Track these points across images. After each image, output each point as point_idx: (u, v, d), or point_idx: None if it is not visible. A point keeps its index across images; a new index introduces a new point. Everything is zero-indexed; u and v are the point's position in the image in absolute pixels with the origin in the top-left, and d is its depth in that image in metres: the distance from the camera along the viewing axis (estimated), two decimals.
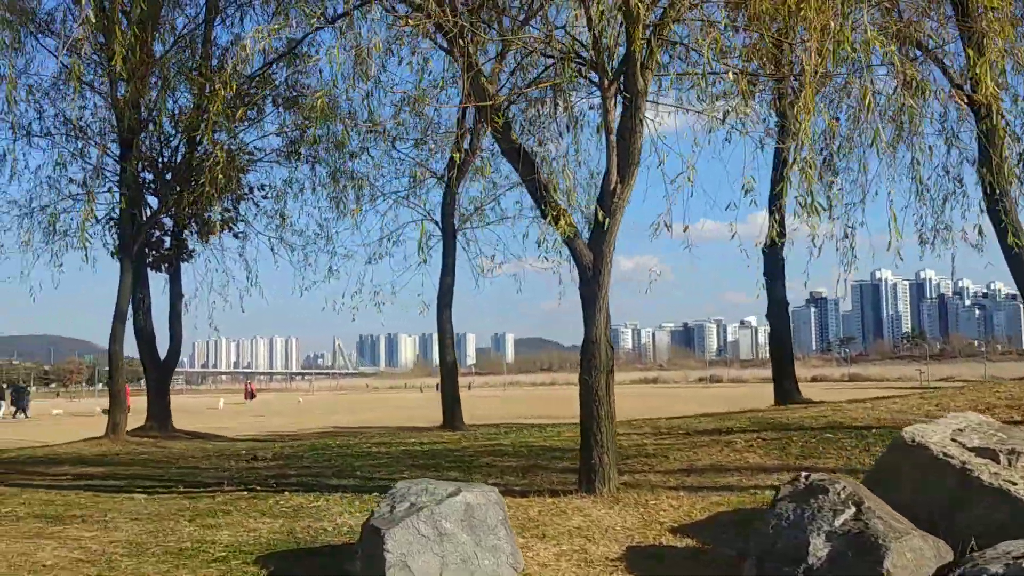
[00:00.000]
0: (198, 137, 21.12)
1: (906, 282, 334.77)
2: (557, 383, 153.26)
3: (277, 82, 20.71)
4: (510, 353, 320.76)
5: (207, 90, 18.25)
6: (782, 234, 20.43)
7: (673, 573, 7.10)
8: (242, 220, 22.81)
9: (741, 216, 10.41)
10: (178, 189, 20.77)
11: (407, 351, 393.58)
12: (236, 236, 22.50)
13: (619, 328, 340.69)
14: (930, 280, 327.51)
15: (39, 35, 20.18)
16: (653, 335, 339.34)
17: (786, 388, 20.94)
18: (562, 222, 9.19)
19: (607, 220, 8.74)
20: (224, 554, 7.97)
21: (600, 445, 9.05)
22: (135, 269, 21.10)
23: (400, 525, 6.76)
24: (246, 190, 22.12)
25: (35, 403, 56.36)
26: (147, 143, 21.34)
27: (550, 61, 10.48)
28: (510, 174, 21.97)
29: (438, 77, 10.75)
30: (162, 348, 23.14)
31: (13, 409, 51.42)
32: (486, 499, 7.17)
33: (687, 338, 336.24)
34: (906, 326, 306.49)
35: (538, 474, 10.71)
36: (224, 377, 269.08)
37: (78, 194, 20.90)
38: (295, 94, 20.37)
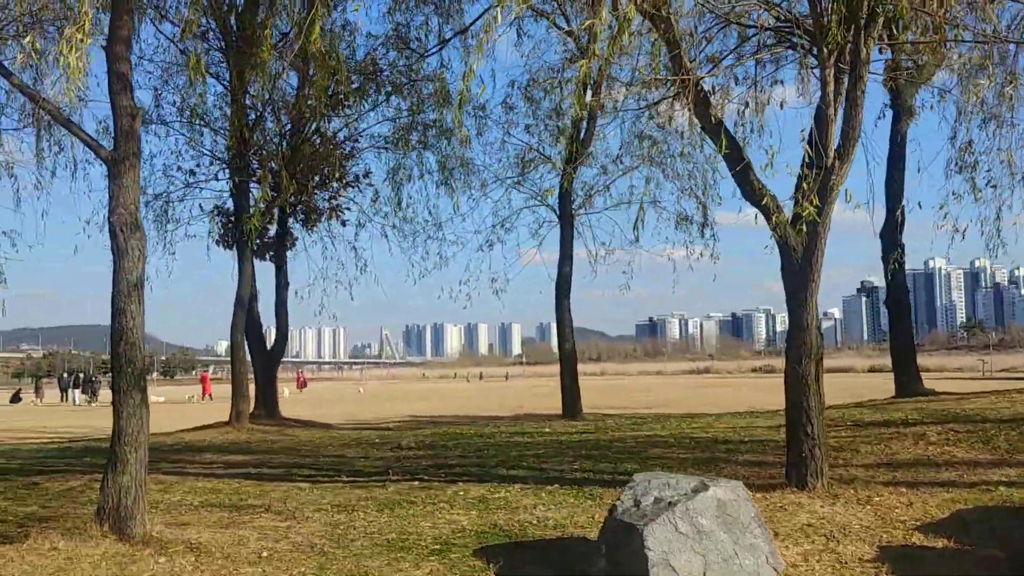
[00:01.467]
0: (304, 125, 20.97)
1: (960, 271, 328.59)
2: (608, 373, 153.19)
3: (384, 68, 20.41)
4: (555, 343, 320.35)
5: (311, 75, 18.06)
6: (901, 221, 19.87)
7: (941, 574, 6.61)
8: (351, 206, 22.56)
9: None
10: (284, 176, 20.56)
11: (453, 341, 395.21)
12: (343, 224, 22.26)
13: (666, 318, 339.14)
14: (986, 269, 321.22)
15: (156, 21, 19.97)
16: (700, 325, 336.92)
17: (909, 378, 20.22)
18: (767, 200, 8.72)
19: (823, 200, 8.22)
20: (438, 547, 7.67)
21: (811, 437, 8.57)
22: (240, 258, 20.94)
23: (658, 522, 6.36)
24: (352, 177, 21.83)
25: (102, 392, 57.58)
26: (258, 131, 21.06)
27: (749, 32, 9.95)
28: (619, 159, 21.59)
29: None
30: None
31: (87, 397, 52.65)
32: (735, 494, 6.74)
33: (735, 328, 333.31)
34: (961, 316, 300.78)
35: (723, 467, 10.25)
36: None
37: (192, 183, 20.81)
38: (407, 80, 20.06)
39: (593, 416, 20.87)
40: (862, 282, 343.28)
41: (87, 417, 34.03)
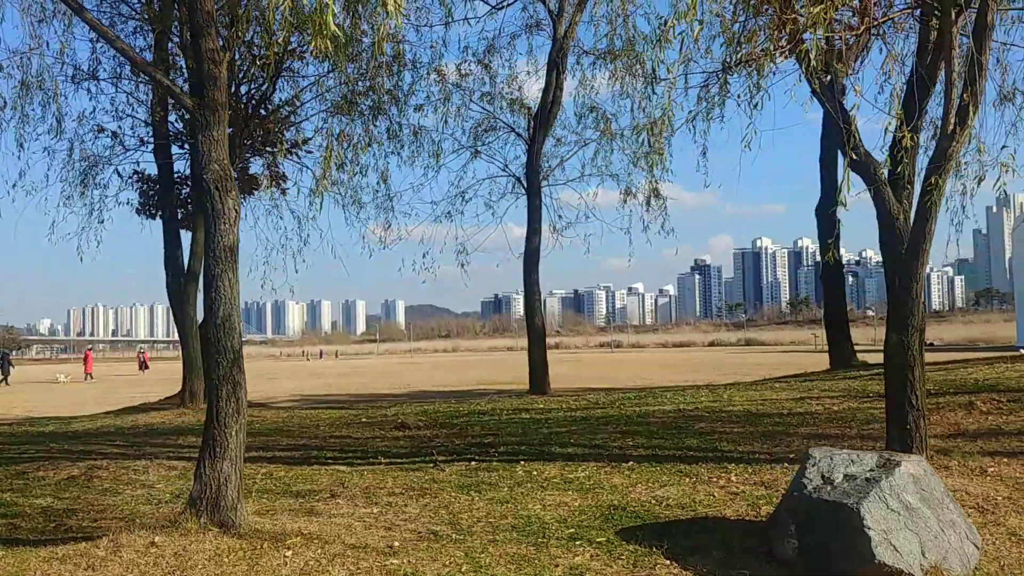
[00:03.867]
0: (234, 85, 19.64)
1: (785, 250, 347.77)
2: (460, 349, 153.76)
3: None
4: (401, 321, 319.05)
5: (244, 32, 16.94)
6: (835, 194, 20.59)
7: None
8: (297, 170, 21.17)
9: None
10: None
11: (295, 318, 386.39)
12: (284, 192, 20.99)
13: (511, 295, 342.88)
14: (807, 248, 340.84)
15: None
16: (544, 302, 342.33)
17: (844, 352, 21.07)
18: (875, 166, 8.71)
19: (939, 167, 8.25)
20: (571, 530, 7.23)
21: (915, 408, 8.58)
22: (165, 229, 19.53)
23: (870, 499, 6.12)
24: (289, 145, 20.59)
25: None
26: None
27: None
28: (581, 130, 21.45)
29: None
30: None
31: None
32: (923, 469, 6.56)
33: (577, 304, 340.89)
34: (785, 293, 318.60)
35: (788, 442, 10.11)
36: (102, 346, 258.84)
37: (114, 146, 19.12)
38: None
39: (563, 392, 20.61)
40: (696, 260, 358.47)
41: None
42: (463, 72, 20.97)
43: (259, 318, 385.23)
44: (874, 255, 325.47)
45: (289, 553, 6.67)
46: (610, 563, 6.47)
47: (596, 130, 21.47)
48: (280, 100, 19.83)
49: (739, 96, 9.80)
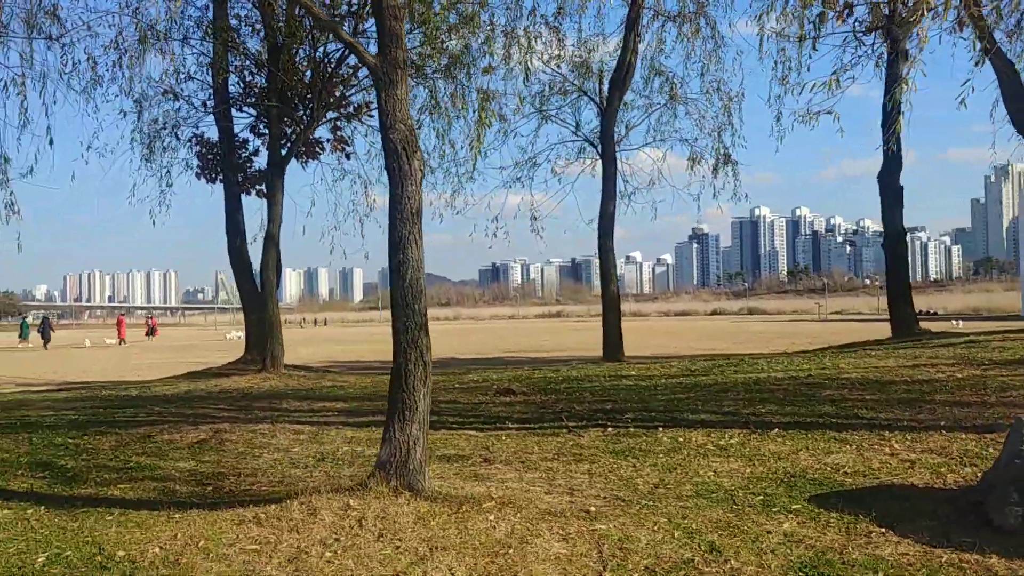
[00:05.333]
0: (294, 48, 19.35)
1: (783, 219, 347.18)
2: (462, 317, 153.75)
3: None
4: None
5: None
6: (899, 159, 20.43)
7: None
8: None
9: None
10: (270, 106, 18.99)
11: (291, 286, 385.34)
12: (348, 156, 20.73)
13: (508, 263, 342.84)
14: (804, 217, 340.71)
15: None
16: (542, 270, 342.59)
17: (907, 319, 21.03)
18: None
19: None
20: (761, 498, 7.15)
21: None
22: (227, 193, 19.32)
23: None
24: (352, 108, 20.29)
25: None
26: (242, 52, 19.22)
27: None
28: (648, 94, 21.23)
29: None
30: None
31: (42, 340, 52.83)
32: None
33: (575, 273, 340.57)
34: (782, 262, 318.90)
35: (931, 409, 9.97)
36: (99, 312, 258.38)
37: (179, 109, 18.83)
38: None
39: (636, 360, 20.53)
40: (693, 229, 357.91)
41: None
42: (532, 35, 20.67)
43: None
44: (872, 224, 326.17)
45: (492, 517, 6.60)
46: (822, 531, 6.37)
47: (663, 94, 21.29)
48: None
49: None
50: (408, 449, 7.04)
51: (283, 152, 19.30)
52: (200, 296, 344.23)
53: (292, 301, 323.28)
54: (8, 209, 14.01)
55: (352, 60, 18.61)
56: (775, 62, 14.88)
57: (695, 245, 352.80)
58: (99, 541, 6.42)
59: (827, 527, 6.45)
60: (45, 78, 14.07)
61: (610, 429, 9.83)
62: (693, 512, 6.77)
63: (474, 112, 17.87)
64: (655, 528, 6.42)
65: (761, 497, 7.17)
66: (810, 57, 10.95)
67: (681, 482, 7.66)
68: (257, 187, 20.38)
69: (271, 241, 18.72)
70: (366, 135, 20.78)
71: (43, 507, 7.38)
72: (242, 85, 19.73)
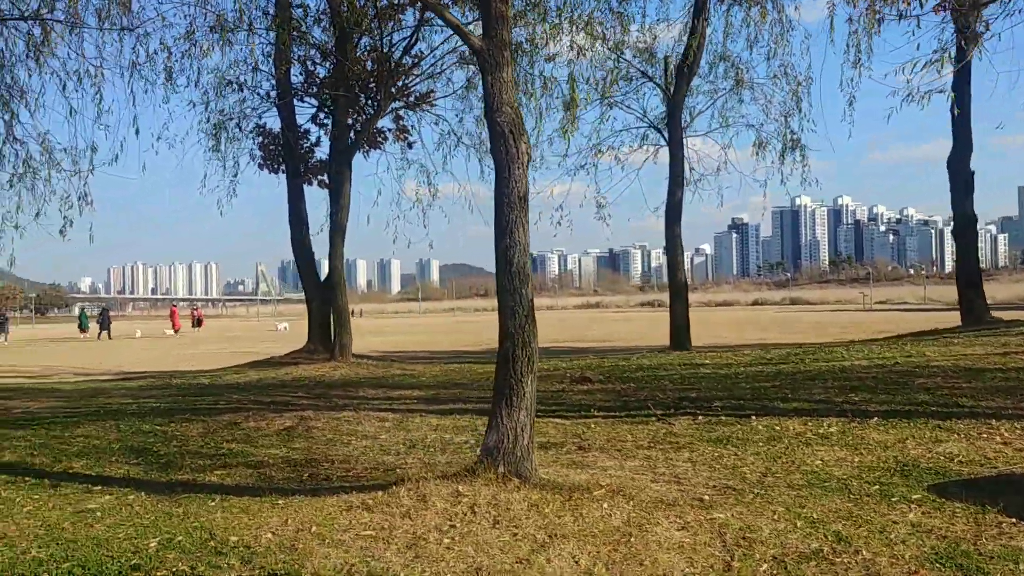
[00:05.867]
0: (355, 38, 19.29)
1: (824, 208, 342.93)
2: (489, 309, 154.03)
3: None
4: (436, 279, 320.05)
5: None
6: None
7: None
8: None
9: None
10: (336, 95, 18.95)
11: None
12: (410, 146, 20.68)
13: (546, 254, 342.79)
14: (846, 206, 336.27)
15: None
16: (579, 261, 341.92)
17: (978, 308, 20.58)
18: None
19: None
20: (878, 487, 6.96)
21: None
22: (290, 184, 19.36)
23: None
24: (414, 97, 20.21)
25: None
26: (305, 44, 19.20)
27: None
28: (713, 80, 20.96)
29: None
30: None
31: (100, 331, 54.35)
32: None
33: (613, 263, 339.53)
34: (824, 251, 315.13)
35: None
36: (142, 303, 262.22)
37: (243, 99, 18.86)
38: None
39: (704, 349, 20.30)
40: (733, 219, 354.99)
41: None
42: (595, 20, 20.43)
43: (295, 277, 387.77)
44: (916, 213, 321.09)
45: (605, 505, 6.49)
46: (948, 521, 6.16)
47: (728, 79, 21.01)
48: (419, 51, 19.48)
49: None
50: (516, 435, 6.94)
51: (349, 142, 19.29)
52: (240, 288, 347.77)
53: None
54: (82, 200, 14.11)
55: (416, 49, 18.60)
56: (847, 45, 14.51)
57: (734, 235, 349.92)
58: (207, 527, 6.37)
59: (954, 517, 6.24)
60: (134, 68, 14.18)
61: (700, 417, 9.69)
62: (810, 501, 6.62)
63: (543, 96, 17.82)
64: (775, 517, 6.26)
65: (877, 487, 6.99)
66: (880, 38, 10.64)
67: (789, 471, 7.50)
68: (319, 177, 20.42)
69: (339, 231, 18.73)
70: (436, 123, 20.61)
71: (143, 492, 7.36)
72: (304, 75, 19.77)
